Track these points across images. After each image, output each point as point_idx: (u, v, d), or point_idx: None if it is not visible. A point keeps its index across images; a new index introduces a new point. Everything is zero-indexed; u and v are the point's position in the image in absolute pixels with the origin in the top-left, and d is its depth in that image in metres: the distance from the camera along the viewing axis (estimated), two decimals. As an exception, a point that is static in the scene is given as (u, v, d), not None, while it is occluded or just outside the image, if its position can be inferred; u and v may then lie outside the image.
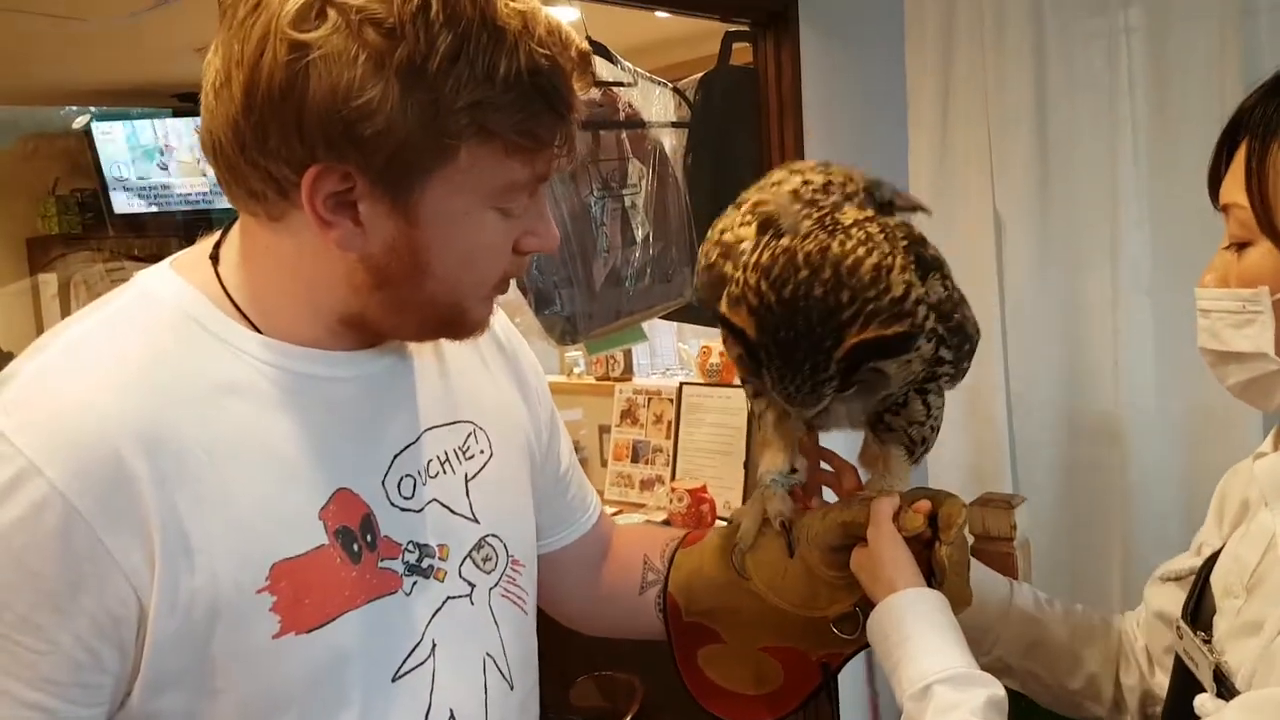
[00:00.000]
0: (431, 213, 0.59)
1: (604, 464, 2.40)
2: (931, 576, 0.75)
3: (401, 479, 0.68)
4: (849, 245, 0.67)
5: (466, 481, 0.72)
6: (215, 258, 0.65)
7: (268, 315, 0.63)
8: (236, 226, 0.66)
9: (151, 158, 3.15)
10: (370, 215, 0.58)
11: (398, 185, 0.57)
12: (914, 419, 0.77)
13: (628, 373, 2.53)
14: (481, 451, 0.74)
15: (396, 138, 0.55)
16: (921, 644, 0.68)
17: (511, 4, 0.57)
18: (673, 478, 2.25)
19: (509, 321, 0.85)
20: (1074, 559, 1.64)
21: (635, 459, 2.33)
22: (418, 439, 0.69)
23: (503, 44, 0.56)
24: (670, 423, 2.28)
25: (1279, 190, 0.58)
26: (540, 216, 0.65)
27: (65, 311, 3.29)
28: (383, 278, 0.61)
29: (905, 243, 0.71)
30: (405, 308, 0.63)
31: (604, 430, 2.45)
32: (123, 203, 3.23)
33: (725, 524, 0.89)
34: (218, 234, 0.67)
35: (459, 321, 0.66)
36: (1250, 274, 0.61)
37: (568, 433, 0.90)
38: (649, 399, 2.33)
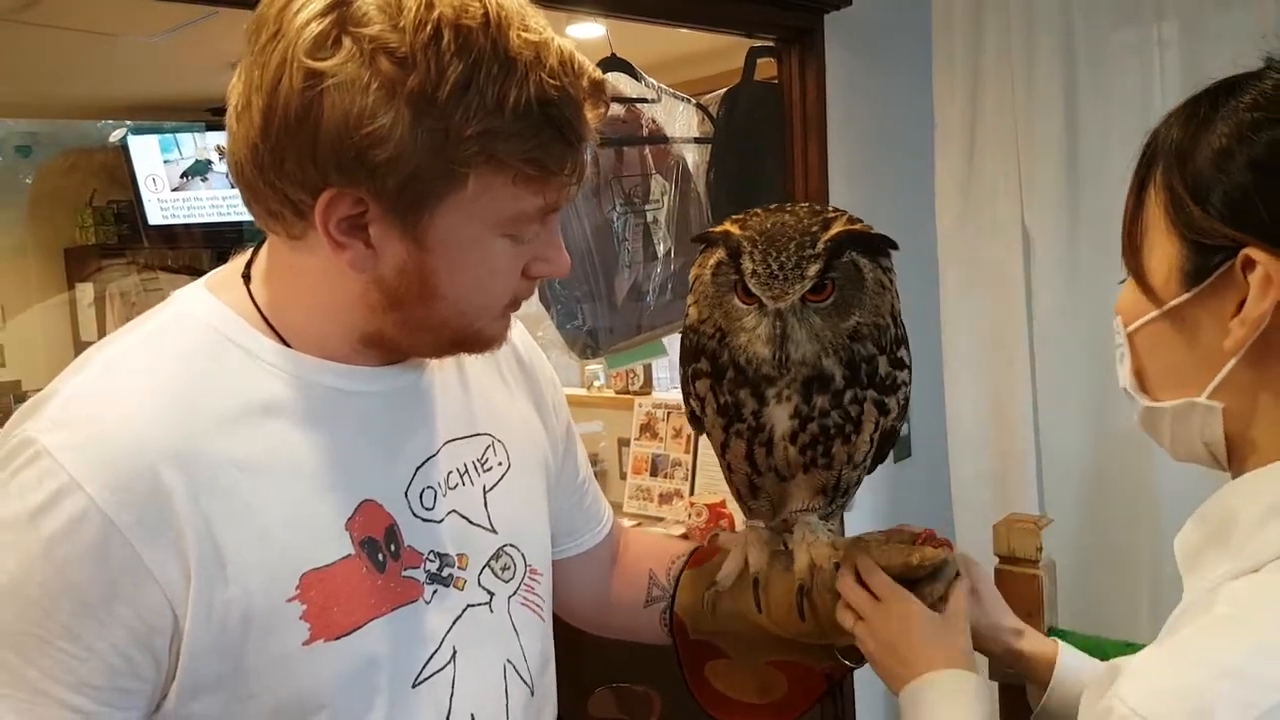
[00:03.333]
0: (441, 238, 0.60)
1: (623, 477, 2.40)
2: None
3: (423, 490, 0.69)
4: None
5: (485, 493, 0.73)
6: (247, 275, 0.67)
7: (297, 331, 0.65)
8: (265, 247, 0.67)
9: (199, 170, 3.23)
10: (381, 239, 0.60)
11: (408, 211, 0.59)
12: (856, 455, 0.77)
13: (647, 386, 2.53)
14: (500, 464, 0.75)
15: (407, 164, 0.56)
16: None
17: (524, 34, 0.57)
18: (691, 492, 2.24)
19: (529, 335, 0.86)
20: (1101, 581, 1.61)
21: (654, 473, 2.32)
22: (438, 451, 0.71)
23: (514, 74, 0.56)
24: (689, 437, 2.27)
25: (1151, 223, 0.56)
26: (551, 242, 0.65)
27: (101, 321, 3.36)
28: (395, 299, 0.62)
29: None
30: (419, 327, 0.64)
31: (623, 444, 2.45)
32: (157, 214, 3.30)
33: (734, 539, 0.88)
34: (249, 252, 0.69)
35: (474, 339, 0.67)
36: (1119, 306, 0.60)
37: (583, 445, 0.91)
38: (668, 413, 2.33)
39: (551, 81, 0.57)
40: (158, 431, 0.58)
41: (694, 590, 0.86)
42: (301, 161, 0.57)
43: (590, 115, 0.61)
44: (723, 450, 0.81)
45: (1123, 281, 0.60)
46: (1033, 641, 0.81)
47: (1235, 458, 0.56)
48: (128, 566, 0.56)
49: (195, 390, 0.61)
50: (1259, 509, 0.52)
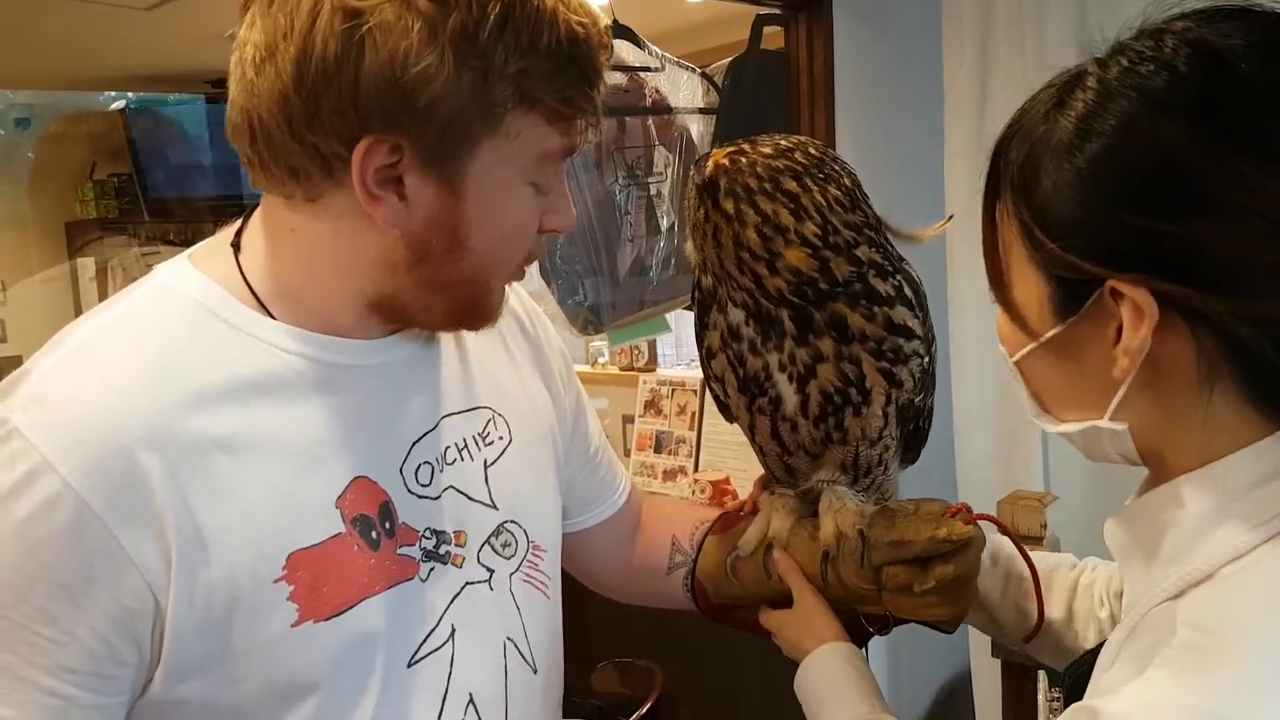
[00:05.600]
0: (476, 185, 0.59)
1: (627, 454, 2.39)
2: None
3: (419, 466, 0.67)
4: None
5: (485, 468, 0.72)
6: (237, 246, 0.65)
7: (291, 302, 0.63)
8: (258, 214, 0.65)
9: (195, 143, 3.21)
10: (416, 189, 0.59)
11: (446, 156, 0.58)
12: (869, 429, 0.76)
13: (652, 363, 2.52)
14: (501, 438, 0.74)
15: (449, 106, 0.56)
16: (841, 696, 0.72)
17: None
18: (696, 469, 2.24)
19: (535, 306, 0.85)
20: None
21: (658, 449, 2.32)
22: (436, 426, 0.69)
23: (544, 13, 0.57)
24: (694, 414, 2.26)
25: (1010, 253, 0.55)
26: (562, 195, 0.66)
27: (103, 295, 3.35)
28: (422, 254, 0.61)
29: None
30: (439, 287, 0.63)
31: (627, 420, 2.44)
32: (158, 187, 3.28)
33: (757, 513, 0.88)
34: (238, 222, 0.67)
35: (483, 305, 0.67)
36: (1000, 335, 0.59)
37: (595, 414, 0.90)
38: (673, 390, 2.32)
39: (578, 20, 0.58)
40: (133, 411, 0.56)
41: (716, 556, 0.85)
42: (341, 109, 0.56)
43: (602, 57, 0.61)
44: (752, 433, 0.81)
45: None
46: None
47: (1152, 463, 0.56)
48: (104, 549, 0.54)
49: (174, 367, 0.59)
50: (1201, 513, 0.51)
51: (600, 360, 2.66)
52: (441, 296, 0.64)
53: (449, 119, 0.56)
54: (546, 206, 0.65)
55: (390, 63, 0.54)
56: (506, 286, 0.69)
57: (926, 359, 0.76)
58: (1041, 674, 0.72)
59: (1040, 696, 0.67)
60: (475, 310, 0.67)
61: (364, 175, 0.57)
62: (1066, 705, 0.55)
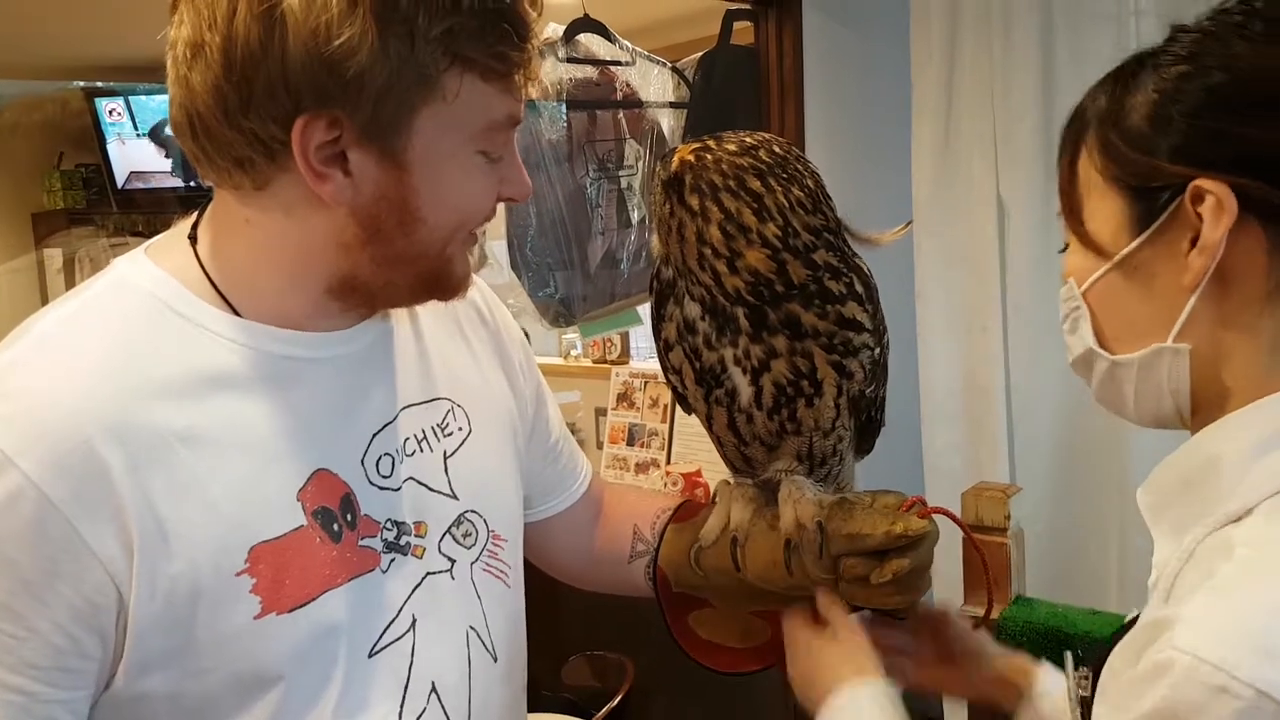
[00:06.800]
0: (421, 157, 0.59)
1: (599, 446, 2.39)
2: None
3: (380, 458, 0.67)
4: None
5: (445, 459, 0.72)
6: (194, 238, 0.65)
7: (249, 295, 0.63)
8: (212, 209, 0.65)
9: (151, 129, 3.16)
10: (360, 164, 0.58)
11: (386, 128, 0.58)
12: (822, 420, 0.76)
13: (624, 356, 2.52)
14: (460, 429, 0.74)
15: (379, 76, 0.56)
16: None
17: None
18: (668, 461, 2.24)
19: (493, 295, 0.85)
20: (1070, 550, 1.63)
21: (631, 442, 2.32)
22: (395, 418, 0.69)
23: None
24: (666, 406, 2.27)
25: (1088, 189, 0.58)
26: (514, 164, 0.66)
27: (70, 286, 3.27)
28: (374, 229, 0.61)
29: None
30: (396, 262, 0.63)
31: (600, 413, 2.44)
32: (126, 178, 3.23)
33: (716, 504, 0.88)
34: (194, 215, 0.66)
35: (446, 274, 0.66)
36: (1068, 272, 0.61)
37: (556, 404, 0.90)
38: (645, 382, 2.33)
39: None
40: (93, 404, 0.56)
41: (677, 545, 0.86)
42: (272, 91, 0.55)
43: (530, 9, 0.61)
44: (709, 424, 0.81)
45: (1062, 250, 0.62)
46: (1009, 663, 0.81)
47: (1202, 409, 0.56)
48: (66, 543, 0.54)
49: (132, 361, 0.59)
50: (1243, 450, 0.52)
51: (573, 353, 2.66)
52: (400, 271, 0.64)
53: (381, 88, 0.56)
54: (501, 176, 0.65)
55: (313, 39, 0.54)
56: (470, 254, 0.69)
57: (876, 350, 0.77)
58: (1068, 653, 0.72)
59: (1068, 676, 0.68)
60: (440, 281, 0.66)
61: (306, 153, 0.57)
62: (1094, 685, 0.55)
